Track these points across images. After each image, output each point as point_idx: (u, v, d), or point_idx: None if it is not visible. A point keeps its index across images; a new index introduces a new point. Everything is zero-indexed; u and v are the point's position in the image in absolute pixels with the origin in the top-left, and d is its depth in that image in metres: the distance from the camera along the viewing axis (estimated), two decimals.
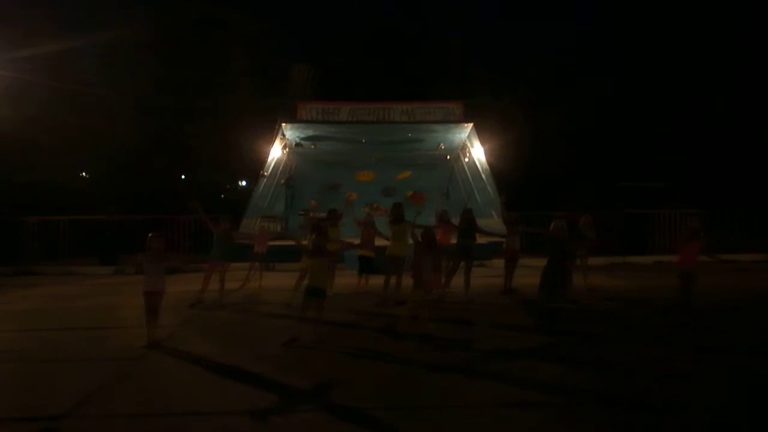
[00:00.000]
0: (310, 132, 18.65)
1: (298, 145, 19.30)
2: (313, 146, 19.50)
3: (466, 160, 19.43)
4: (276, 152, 18.51)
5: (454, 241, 11.05)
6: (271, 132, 18.10)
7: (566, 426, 4.76)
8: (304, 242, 9.52)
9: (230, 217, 10.93)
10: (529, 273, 11.33)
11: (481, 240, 14.68)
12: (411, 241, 10.03)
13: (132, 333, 7.65)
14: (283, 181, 19.85)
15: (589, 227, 11.23)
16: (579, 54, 31.02)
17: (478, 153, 18.16)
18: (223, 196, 32.64)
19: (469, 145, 18.76)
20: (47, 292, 12.00)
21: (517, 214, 12.93)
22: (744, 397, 5.42)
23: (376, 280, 11.05)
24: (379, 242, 11.03)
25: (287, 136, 18.73)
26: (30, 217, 16.88)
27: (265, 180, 18.38)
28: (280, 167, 19.46)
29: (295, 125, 18.09)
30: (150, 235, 7.52)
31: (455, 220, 11.44)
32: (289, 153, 19.70)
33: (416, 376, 6.09)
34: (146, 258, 7.43)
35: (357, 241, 11.23)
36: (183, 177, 31.55)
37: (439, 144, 19.43)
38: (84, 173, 30.02)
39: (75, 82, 20.68)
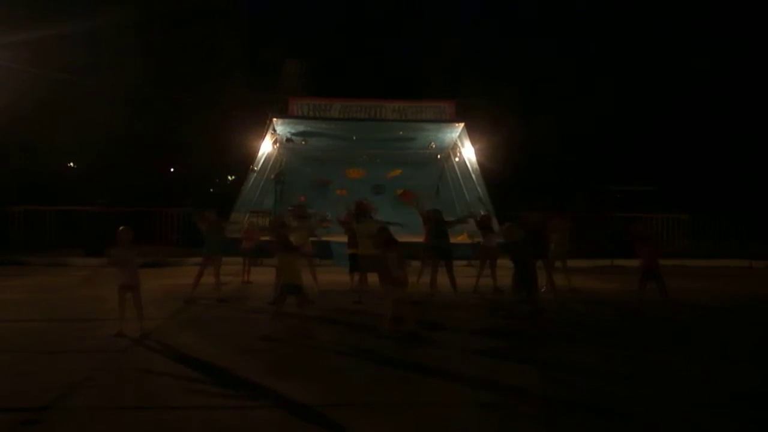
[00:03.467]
0: (301, 128, 18.65)
1: (288, 140, 19.29)
2: (303, 142, 19.49)
3: (457, 159, 19.48)
4: (266, 147, 18.49)
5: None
6: (261, 127, 18.08)
7: (525, 428, 4.77)
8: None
9: (215, 210, 10.84)
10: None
11: (467, 240, 14.75)
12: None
13: (117, 325, 7.58)
14: (272, 177, 19.82)
15: (563, 231, 11.27)
16: (569, 56, 31.12)
17: (468, 153, 18.22)
18: (212, 190, 32.51)
19: (459, 144, 18.82)
20: (32, 283, 11.90)
21: (489, 215, 12.93)
22: (723, 403, 5.46)
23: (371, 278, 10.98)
24: None
25: (278, 132, 18.71)
26: (16, 207, 16.72)
27: (255, 175, 18.36)
28: (270, 162, 19.44)
29: (286, 121, 18.08)
30: (120, 228, 7.53)
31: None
32: (279, 148, 19.69)
33: (388, 374, 6.10)
34: (118, 252, 7.44)
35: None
36: (172, 170, 31.36)
37: (430, 143, 19.48)
38: (71, 163, 29.75)
39: (62, 70, 20.47)
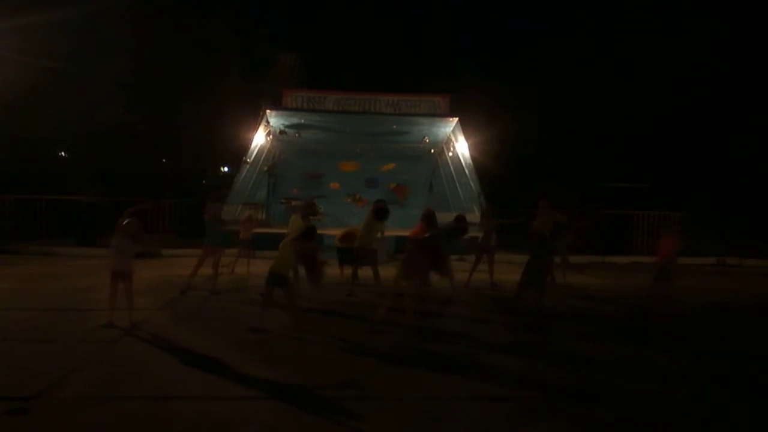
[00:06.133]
0: (294, 120, 18.57)
1: (282, 132, 19.21)
2: (297, 134, 19.41)
3: (450, 154, 19.46)
4: (260, 139, 18.42)
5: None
6: (255, 119, 18.00)
7: (532, 421, 4.78)
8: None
9: (220, 201, 10.70)
10: (513, 269, 11.41)
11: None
12: (379, 235, 10.05)
13: (107, 315, 7.55)
14: (266, 169, 19.76)
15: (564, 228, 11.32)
16: (563, 52, 31.16)
17: (462, 147, 18.21)
18: (204, 181, 32.41)
19: (453, 139, 18.79)
20: (23, 272, 11.83)
21: (491, 208, 12.95)
22: (717, 398, 5.50)
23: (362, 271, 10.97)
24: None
25: (271, 124, 18.64)
26: (7, 196, 16.61)
27: (248, 167, 18.28)
28: (264, 154, 19.37)
29: (280, 113, 18.00)
30: (127, 220, 7.52)
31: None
32: (272, 140, 19.61)
33: (384, 367, 6.10)
34: (116, 240, 7.44)
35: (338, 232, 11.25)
36: (164, 161, 31.26)
37: (424, 137, 19.44)
38: (63, 153, 29.60)
39: (54, 59, 20.31)
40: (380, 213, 10.10)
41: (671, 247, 8.97)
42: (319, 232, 12.55)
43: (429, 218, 10.61)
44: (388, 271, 9.69)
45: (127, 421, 4.59)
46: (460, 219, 9.74)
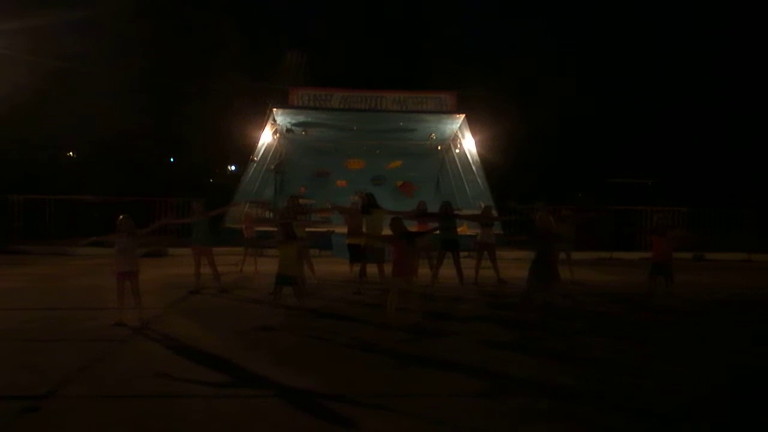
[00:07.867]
0: (301, 118, 18.60)
1: (288, 131, 19.24)
2: (303, 132, 19.44)
3: (457, 151, 19.44)
4: (266, 137, 18.46)
5: (436, 231, 11.03)
6: (262, 117, 18.04)
7: (534, 420, 4.75)
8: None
9: (203, 201, 10.66)
10: (518, 265, 11.37)
11: (469, 231, 14.74)
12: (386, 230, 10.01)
13: (117, 314, 7.58)
14: (272, 167, 19.78)
15: (569, 223, 11.29)
16: (571, 49, 31.05)
17: (469, 144, 18.18)
18: (212, 180, 32.47)
19: (460, 136, 18.76)
20: (31, 272, 11.89)
21: (490, 208, 12.88)
22: (726, 396, 5.47)
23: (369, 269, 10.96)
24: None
25: (278, 122, 18.67)
26: (15, 196, 16.69)
27: (255, 165, 18.32)
28: (270, 153, 19.40)
29: (287, 111, 18.04)
30: (120, 217, 7.56)
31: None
32: (279, 139, 19.64)
33: (391, 365, 6.07)
34: (118, 239, 7.46)
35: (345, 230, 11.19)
36: (172, 160, 31.36)
37: (431, 134, 19.43)
38: (71, 153, 29.72)
39: (61, 58, 20.37)
40: (364, 208, 10.18)
41: (666, 243, 8.97)
42: (327, 230, 12.60)
43: (421, 211, 10.73)
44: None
45: (137, 419, 4.59)
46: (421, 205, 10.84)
